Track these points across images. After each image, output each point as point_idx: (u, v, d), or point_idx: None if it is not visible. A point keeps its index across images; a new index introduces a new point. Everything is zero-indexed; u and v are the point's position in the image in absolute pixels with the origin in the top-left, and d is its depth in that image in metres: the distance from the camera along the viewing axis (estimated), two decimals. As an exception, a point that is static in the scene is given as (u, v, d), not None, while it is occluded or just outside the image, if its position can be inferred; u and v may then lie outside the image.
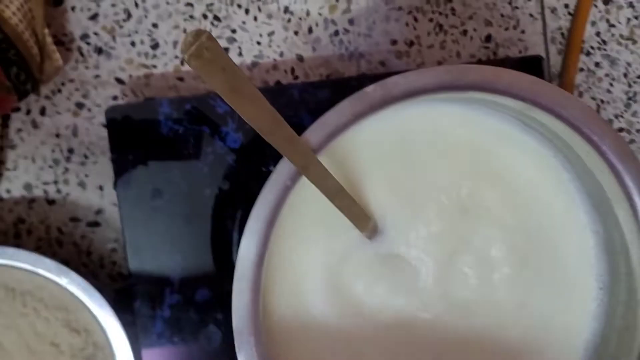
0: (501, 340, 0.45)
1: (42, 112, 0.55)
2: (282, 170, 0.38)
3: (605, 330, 0.44)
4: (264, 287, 0.40)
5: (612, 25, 0.59)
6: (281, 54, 0.56)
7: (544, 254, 0.45)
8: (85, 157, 0.56)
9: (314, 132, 0.38)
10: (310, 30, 0.56)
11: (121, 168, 0.51)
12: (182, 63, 0.56)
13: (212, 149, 0.52)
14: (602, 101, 0.59)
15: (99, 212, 0.56)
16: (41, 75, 0.52)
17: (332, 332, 0.44)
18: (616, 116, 0.59)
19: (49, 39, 0.52)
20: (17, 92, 0.50)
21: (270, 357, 0.40)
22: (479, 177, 0.44)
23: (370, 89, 0.38)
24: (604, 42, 0.59)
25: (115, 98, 0.56)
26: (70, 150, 0.56)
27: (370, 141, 0.43)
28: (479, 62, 0.56)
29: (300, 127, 0.38)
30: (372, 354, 0.44)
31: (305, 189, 0.41)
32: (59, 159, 0.56)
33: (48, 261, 0.48)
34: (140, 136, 0.51)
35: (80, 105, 0.56)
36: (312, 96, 0.51)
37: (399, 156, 0.43)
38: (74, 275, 0.48)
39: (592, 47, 0.58)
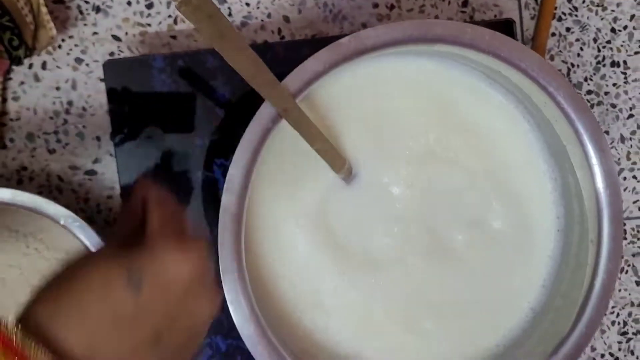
0: (469, 280, 0.49)
1: (44, 66, 0.59)
2: (264, 113, 0.41)
3: (561, 269, 0.48)
4: (247, 223, 0.44)
5: (583, -7, 0.62)
6: (269, 15, 0.60)
7: (507, 199, 0.49)
8: (84, 109, 0.59)
9: (293, 78, 0.41)
10: (297, -8, 0.60)
11: (117, 119, 0.54)
12: (175, 22, 0.59)
13: (203, 101, 0.55)
14: (572, 65, 0.62)
15: (96, 161, 0.59)
16: (35, 43, 0.55)
17: (313, 269, 0.47)
18: (585, 79, 0.63)
19: (43, 9, 0.55)
20: (9, 57, 0.53)
21: (254, 293, 0.44)
22: (446, 125, 0.47)
23: (344, 40, 0.42)
24: (575, 8, 0.62)
25: (112, 54, 0.59)
26: (70, 103, 0.59)
27: (346, 90, 0.46)
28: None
29: (282, 77, 0.41)
30: (350, 288, 0.48)
31: (285, 133, 0.45)
32: (59, 110, 0.59)
33: (48, 202, 0.52)
34: (136, 89, 0.55)
35: (79, 61, 0.59)
36: (296, 53, 0.54)
37: (372, 105, 0.47)
38: (72, 215, 0.52)
39: (563, 13, 0.62)
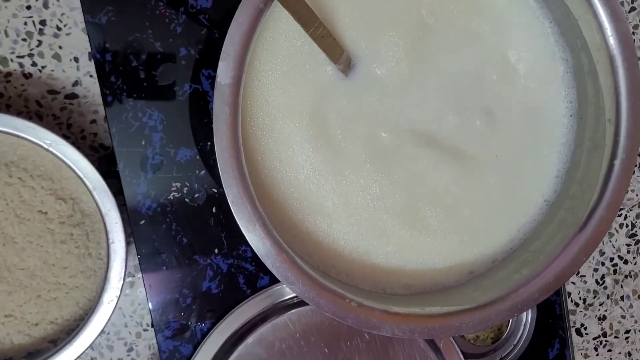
0: (475, 174, 0.47)
1: (11, -16, 0.54)
2: (254, -7, 0.38)
3: (575, 155, 0.46)
4: (243, 122, 0.41)
5: None
6: None
7: (514, 83, 0.46)
8: (58, 29, 0.55)
9: (284, -48, 0.38)
10: None
11: (96, 35, 0.51)
12: None
13: (185, 8, 0.51)
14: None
15: (75, 83, 0.56)
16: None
17: (310, 169, 0.45)
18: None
19: None
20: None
21: (255, 191, 0.41)
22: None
23: None
24: None
25: (84, -34, 0.55)
26: (43, 22, 0.55)
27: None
28: None
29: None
30: (350, 187, 0.45)
31: (280, 20, 0.42)
32: (32, 31, 0.55)
33: (30, 125, 0.48)
34: (112, -1, 0.51)
35: (49, -24, 0.55)
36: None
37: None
38: (57, 138, 0.48)
39: None
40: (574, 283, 0.65)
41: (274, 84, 0.43)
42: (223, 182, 0.39)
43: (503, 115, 0.46)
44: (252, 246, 0.39)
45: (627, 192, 0.64)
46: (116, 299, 0.50)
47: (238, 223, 0.39)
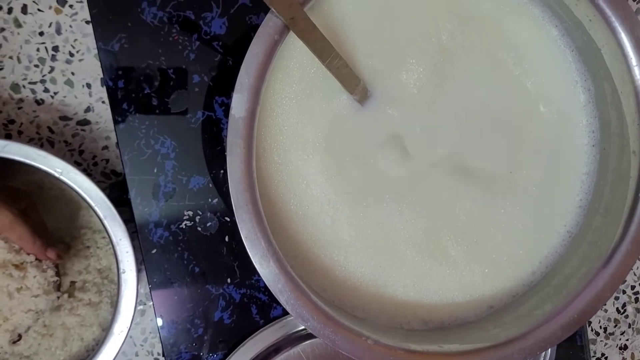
0: (498, 204, 0.45)
1: (24, 10, 0.54)
2: (269, 24, 0.37)
3: (599, 186, 0.45)
4: (257, 154, 0.40)
5: None
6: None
7: (536, 115, 0.45)
8: (71, 55, 0.55)
9: (300, -17, 0.37)
10: None
11: (108, 61, 0.50)
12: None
13: (198, 35, 0.51)
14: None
15: (88, 109, 0.55)
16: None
17: (325, 200, 0.43)
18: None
19: None
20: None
21: (269, 225, 0.40)
22: (462, 22, 0.43)
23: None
24: None
25: (97, -8, 0.54)
26: (55, 49, 0.55)
27: (354, 1, 0.42)
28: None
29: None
30: (367, 217, 0.44)
31: (295, 49, 0.41)
32: (45, 57, 0.55)
33: (41, 152, 0.48)
34: (125, 24, 0.50)
35: (62, 2, 0.54)
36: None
37: (382, 10, 0.42)
38: (67, 165, 0.48)
39: None
40: (594, 312, 0.64)
41: (288, 114, 0.42)
42: (236, 216, 0.38)
43: (525, 143, 0.45)
44: (266, 282, 0.38)
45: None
46: (127, 330, 0.49)
47: (251, 259, 0.38)
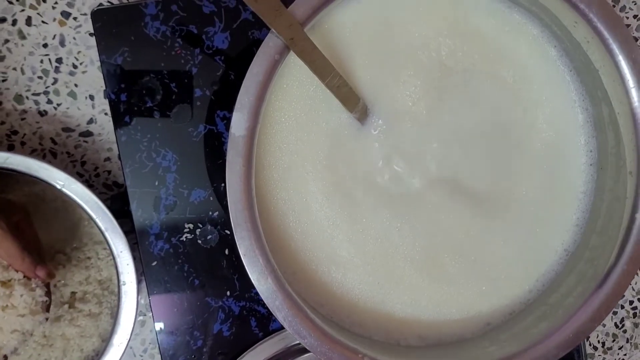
0: (495, 221, 0.46)
1: (28, 22, 0.55)
2: (270, 43, 0.38)
3: (595, 205, 0.45)
4: (256, 171, 0.41)
5: None
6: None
7: (534, 133, 0.45)
8: (74, 67, 0.55)
9: (300, 4, 0.38)
10: None
11: (111, 74, 0.51)
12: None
13: (201, 49, 0.51)
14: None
15: (90, 121, 0.56)
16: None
17: (324, 218, 0.44)
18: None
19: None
20: None
21: (267, 242, 0.40)
22: (462, 39, 0.44)
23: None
24: None
25: (100, 5, 0.55)
26: (59, 60, 0.55)
27: (355, 15, 0.42)
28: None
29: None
30: (366, 235, 0.44)
31: (295, 68, 0.41)
32: (48, 69, 0.55)
33: (43, 164, 0.48)
34: (128, 38, 0.51)
35: (66, 14, 0.55)
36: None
37: (382, 32, 0.43)
38: (69, 177, 0.48)
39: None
40: (592, 327, 0.64)
41: (287, 132, 0.42)
42: (235, 234, 0.39)
43: (523, 160, 0.45)
44: (263, 299, 0.39)
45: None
46: (126, 342, 0.49)
47: (249, 276, 0.39)
